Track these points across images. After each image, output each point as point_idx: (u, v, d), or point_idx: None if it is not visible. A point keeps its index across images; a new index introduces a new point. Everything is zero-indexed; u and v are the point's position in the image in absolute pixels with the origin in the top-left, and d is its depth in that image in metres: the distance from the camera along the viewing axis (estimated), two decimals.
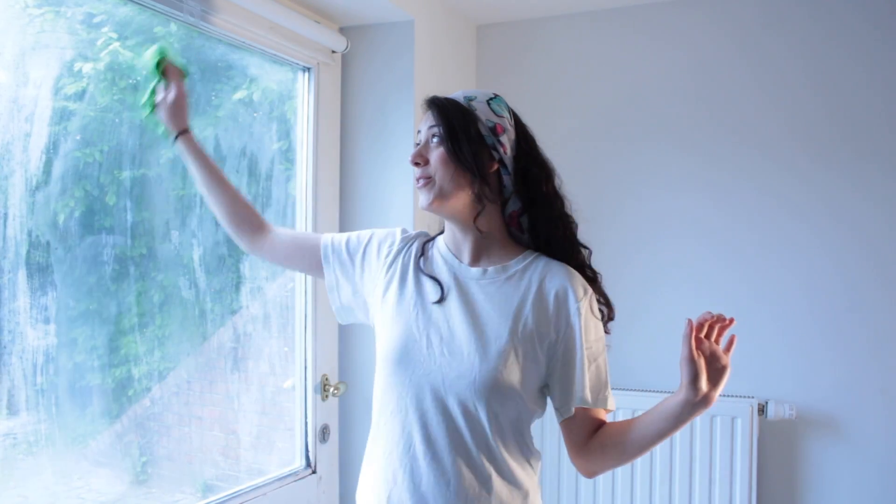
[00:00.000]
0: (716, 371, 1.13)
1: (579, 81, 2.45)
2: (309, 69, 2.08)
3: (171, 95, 1.40)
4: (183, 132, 1.41)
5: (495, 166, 1.25)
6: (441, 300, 1.26)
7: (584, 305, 1.22)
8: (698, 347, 1.13)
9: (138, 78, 1.51)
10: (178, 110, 1.41)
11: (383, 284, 1.33)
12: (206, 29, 1.72)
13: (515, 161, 1.26)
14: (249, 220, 1.44)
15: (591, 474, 1.29)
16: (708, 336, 1.14)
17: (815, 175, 2.19)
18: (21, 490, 1.37)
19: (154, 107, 1.41)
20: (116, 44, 1.55)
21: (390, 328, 1.28)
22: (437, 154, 1.23)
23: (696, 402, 1.12)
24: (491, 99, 1.27)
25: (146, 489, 1.67)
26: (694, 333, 1.12)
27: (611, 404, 1.25)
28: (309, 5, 2.01)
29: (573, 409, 1.22)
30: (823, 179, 2.18)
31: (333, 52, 2.13)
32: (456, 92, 1.30)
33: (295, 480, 2.00)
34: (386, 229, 1.41)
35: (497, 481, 1.20)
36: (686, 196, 2.32)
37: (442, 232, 1.35)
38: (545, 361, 1.23)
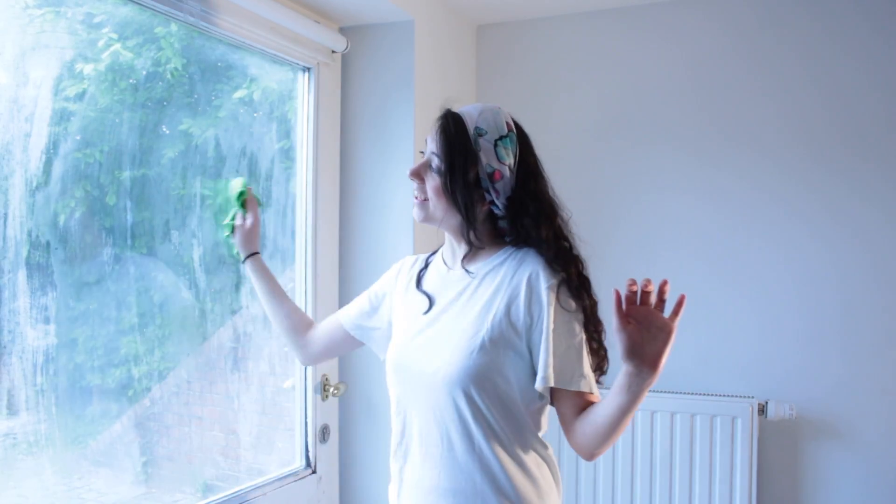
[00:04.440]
0: (653, 335, 1.09)
1: (579, 81, 2.45)
2: (309, 69, 2.08)
3: (248, 223, 1.60)
4: (252, 255, 1.60)
5: (486, 206, 1.29)
6: (428, 310, 1.33)
7: (554, 287, 1.22)
8: (630, 315, 1.10)
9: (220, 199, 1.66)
10: (252, 236, 1.61)
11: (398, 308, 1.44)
12: (206, 29, 1.72)
13: (509, 202, 1.28)
14: (303, 324, 1.60)
15: (587, 456, 1.25)
16: (645, 302, 1.09)
17: (814, 175, 2.19)
18: (21, 490, 1.36)
19: (232, 230, 1.61)
20: (117, 44, 1.55)
21: (393, 342, 1.38)
22: (432, 183, 1.28)
23: (637, 372, 1.10)
24: (501, 138, 1.26)
25: (146, 489, 1.67)
26: (624, 303, 1.09)
27: (584, 387, 1.22)
28: (309, 5, 2.01)
29: (538, 389, 1.22)
30: (822, 180, 2.18)
31: (333, 52, 2.13)
32: (471, 107, 1.29)
33: (295, 480, 2.00)
34: (392, 268, 1.50)
35: (480, 474, 1.22)
36: (686, 196, 2.32)
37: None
38: (527, 346, 1.23)
